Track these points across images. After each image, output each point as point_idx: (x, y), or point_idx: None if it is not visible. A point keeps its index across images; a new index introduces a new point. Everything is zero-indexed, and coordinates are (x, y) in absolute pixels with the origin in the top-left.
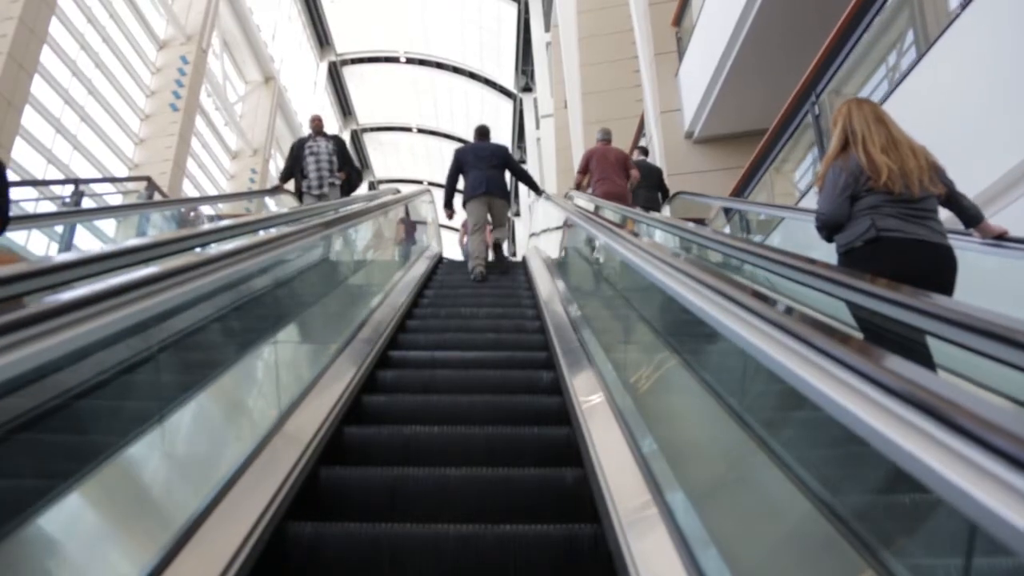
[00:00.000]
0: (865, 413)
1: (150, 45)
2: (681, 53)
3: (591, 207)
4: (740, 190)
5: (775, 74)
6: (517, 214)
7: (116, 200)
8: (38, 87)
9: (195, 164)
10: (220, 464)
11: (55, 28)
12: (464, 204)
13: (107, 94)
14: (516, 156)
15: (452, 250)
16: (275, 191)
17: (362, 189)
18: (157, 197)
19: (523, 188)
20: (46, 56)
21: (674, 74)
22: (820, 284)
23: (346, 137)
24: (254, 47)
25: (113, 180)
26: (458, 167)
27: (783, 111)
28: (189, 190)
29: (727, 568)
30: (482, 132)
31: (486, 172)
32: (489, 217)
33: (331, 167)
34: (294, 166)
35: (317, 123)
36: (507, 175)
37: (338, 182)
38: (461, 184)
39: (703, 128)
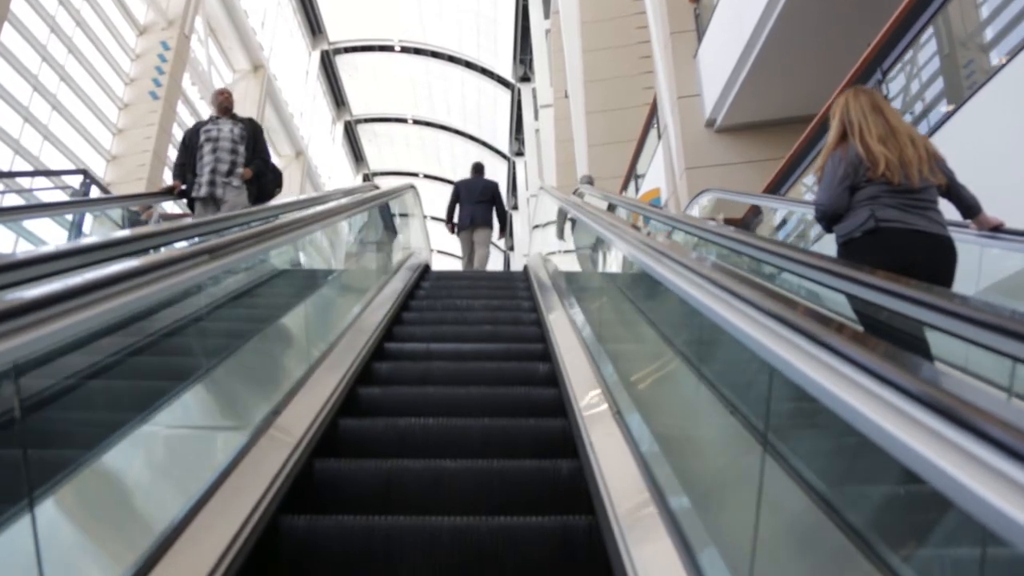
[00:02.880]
0: (863, 405)
1: (129, 30)
2: (700, 32)
3: (604, 205)
4: (776, 186)
5: (819, 52)
6: (515, 207)
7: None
8: (3, 72)
9: None
10: (213, 457)
11: (22, 9)
12: (458, 232)
13: (82, 81)
14: (514, 148)
15: (445, 245)
16: (165, 194)
17: (342, 184)
18: (97, 193)
19: (523, 181)
20: (12, 39)
21: (692, 56)
22: (818, 276)
23: (339, 128)
24: (242, 34)
25: (41, 174)
26: (455, 198)
27: (839, 90)
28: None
29: (724, 564)
30: (477, 168)
31: (474, 207)
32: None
33: (234, 160)
34: (187, 160)
35: (222, 99)
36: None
37: (237, 182)
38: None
39: (727, 115)
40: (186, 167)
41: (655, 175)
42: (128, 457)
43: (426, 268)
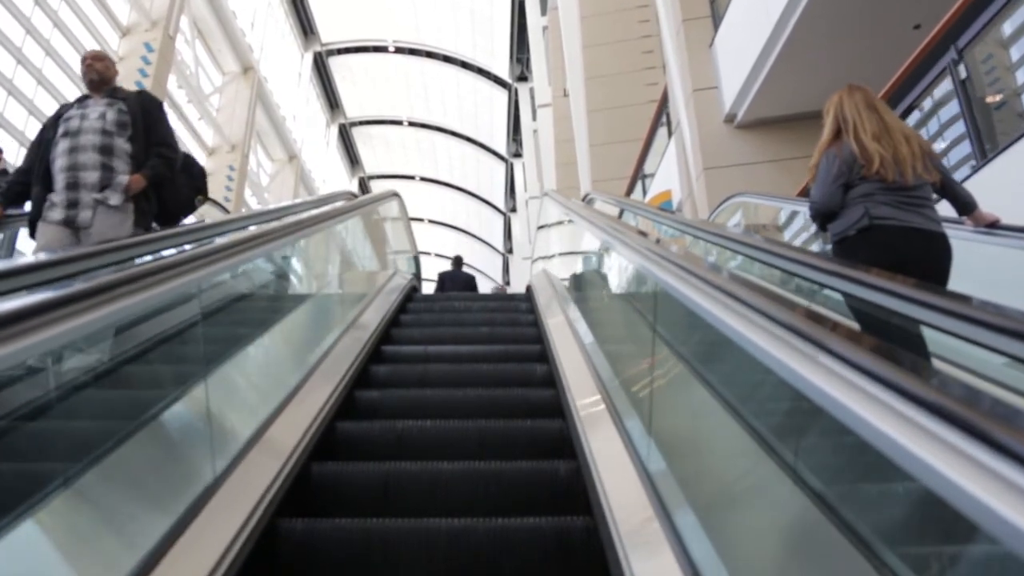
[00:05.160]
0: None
1: (111, 31)
2: (717, 18)
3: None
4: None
5: (865, 30)
6: (513, 209)
7: None
8: None
9: None
10: (210, 461)
11: None
12: None
13: (61, 85)
14: (511, 149)
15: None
16: None
17: (341, 187)
18: None
19: (521, 183)
20: None
21: (708, 44)
22: (814, 275)
23: (333, 132)
24: (230, 35)
25: None
26: (441, 286)
27: (899, 75)
28: None
29: (721, 563)
30: (457, 262)
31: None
32: None
33: (107, 163)
34: (34, 164)
35: (95, 65)
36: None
37: (116, 199)
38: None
39: (749, 109)
40: (31, 175)
41: (666, 176)
42: (132, 457)
43: (412, 290)
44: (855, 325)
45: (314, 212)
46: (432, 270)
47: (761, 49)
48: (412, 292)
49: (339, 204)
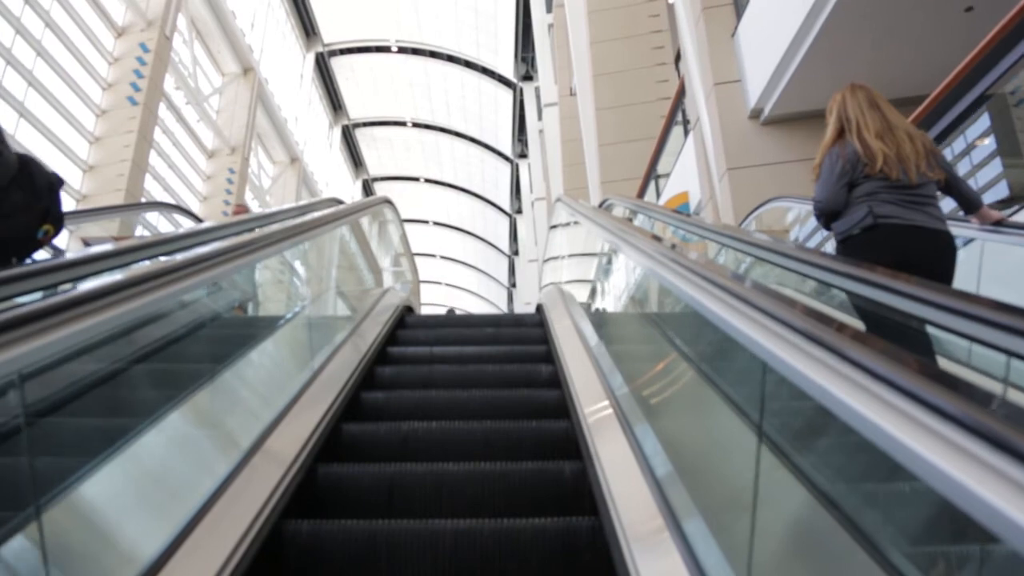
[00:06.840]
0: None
1: (105, 32)
2: (740, 6)
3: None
4: None
5: (907, 17)
6: (519, 211)
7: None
8: None
9: (166, 165)
10: (216, 464)
11: None
12: None
13: (53, 87)
14: (517, 150)
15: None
16: None
17: (340, 192)
18: None
19: (527, 184)
20: None
21: (730, 34)
22: (819, 274)
23: (336, 133)
24: (230, 36)
25: None
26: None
27: (972, 56)
28: (158, 193)
29: (728, 566)
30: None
31: None
32: None
33: None
34: None
35: None
36: None
37: None
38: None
39: (778, 104)
40: None
41: (682, 177)
42: (139, 456)
43: (406, 312)
44: None
45: (260, 233)
46: (435, 273)
47: (793, 36)
48: (405, 313)
49: (309, 217)
